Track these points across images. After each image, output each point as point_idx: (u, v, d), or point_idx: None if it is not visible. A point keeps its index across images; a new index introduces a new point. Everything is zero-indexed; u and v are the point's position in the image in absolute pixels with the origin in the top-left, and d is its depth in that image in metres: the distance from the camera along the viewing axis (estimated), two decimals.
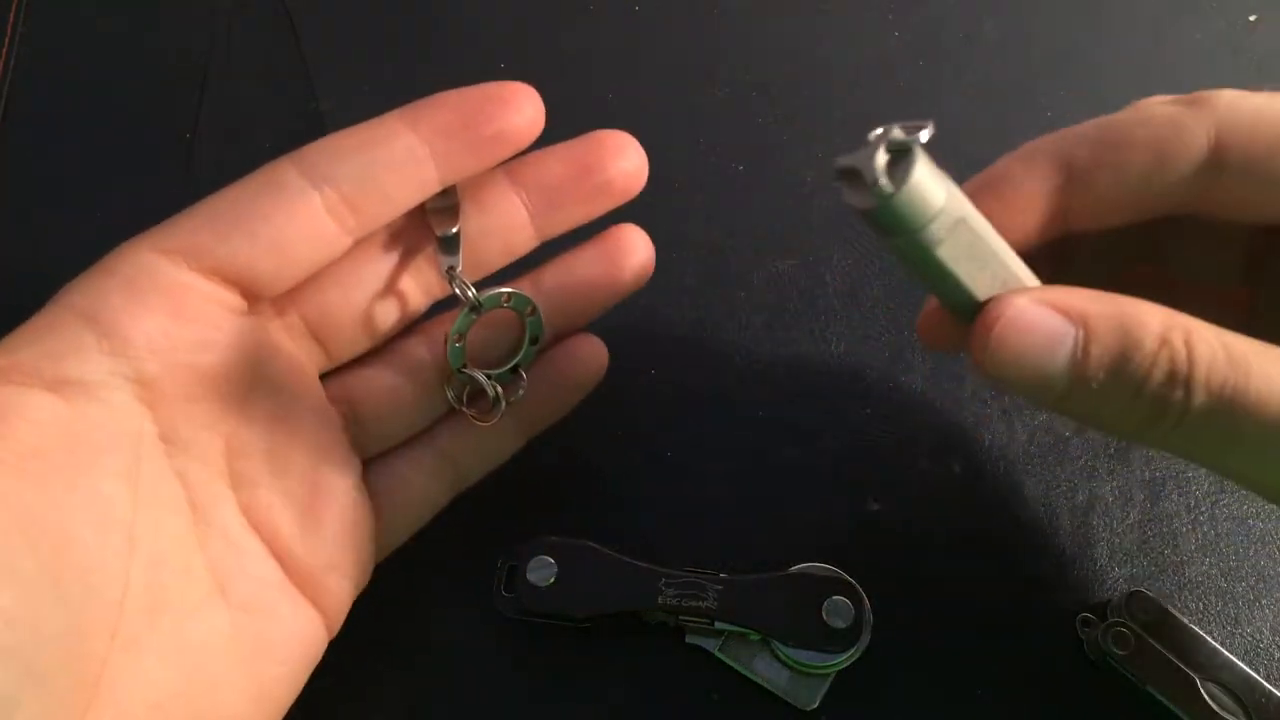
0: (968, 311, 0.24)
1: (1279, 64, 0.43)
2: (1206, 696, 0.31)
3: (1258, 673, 0.31)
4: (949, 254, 0.22)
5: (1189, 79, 0.43)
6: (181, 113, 0.43)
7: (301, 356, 0.29)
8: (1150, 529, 0.35)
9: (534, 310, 0.30)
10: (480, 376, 0.30)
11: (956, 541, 0.35)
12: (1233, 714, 0.31)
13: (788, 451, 0.36)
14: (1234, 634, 0.33)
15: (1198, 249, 0.26)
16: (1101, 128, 0.24)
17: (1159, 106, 0.24)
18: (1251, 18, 0.44)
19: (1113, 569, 0.34)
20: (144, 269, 0.25)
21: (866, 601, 0.33)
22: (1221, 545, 0.34)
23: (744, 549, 0.35)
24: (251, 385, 0.27)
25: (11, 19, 0.45)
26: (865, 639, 0.32)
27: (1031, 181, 0.24)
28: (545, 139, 0.43)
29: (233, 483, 0.27)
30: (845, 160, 0.21)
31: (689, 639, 0.33)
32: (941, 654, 0.33)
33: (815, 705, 0.32)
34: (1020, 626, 0.33)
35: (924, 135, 0.21)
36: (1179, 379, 0.21)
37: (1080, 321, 0.22)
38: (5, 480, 0.22)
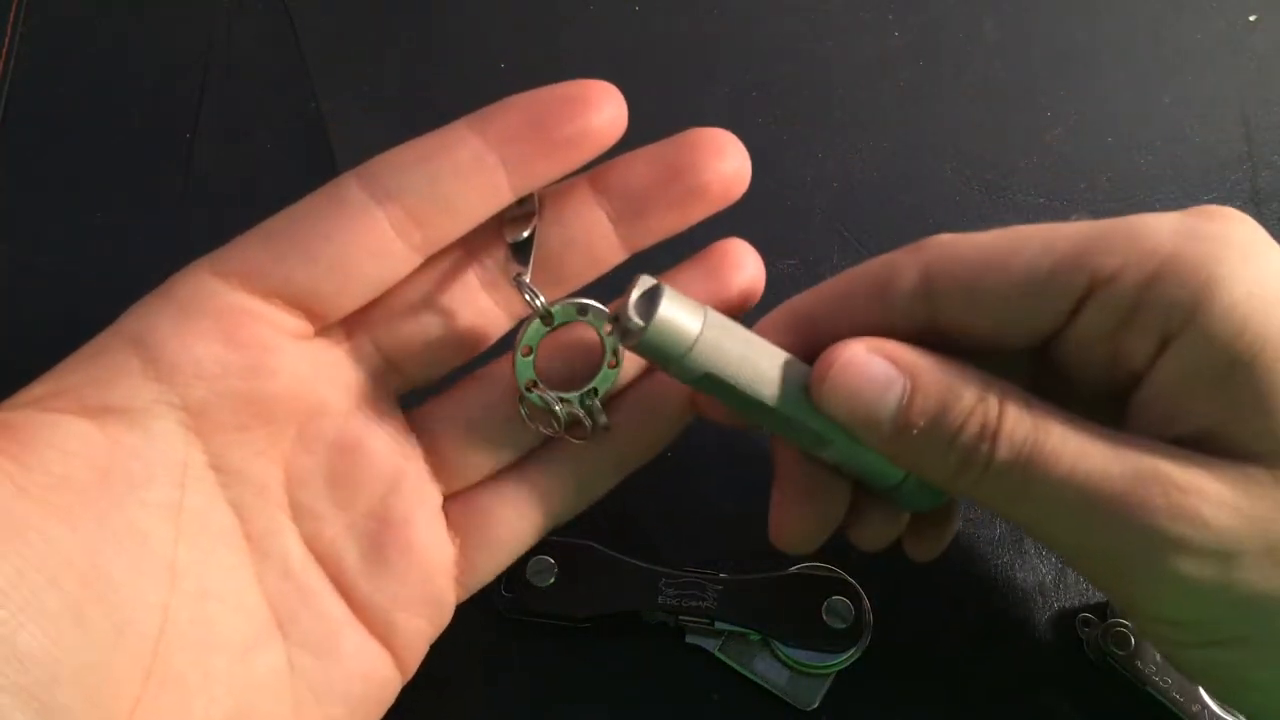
0: (767, 417, 0.26)
1: (1279, 64, 0.43)
2: (1206, 697, 0.31)
3: None
4: (723, 368, 0.24)
5: (1189, 79, 0.43)
6: (181, 113, 0.43)
7: (372, 381, 0.27)
8: None
9: (613, 322, 0.27)
10: (549, 396, 0.27)
11: (956, 541, 0.35)
12: (1233, 714, 0.31)
13: None
14: None
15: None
16: (832, 286, 0.27)
17: (886, 256, 0.26)
18: (1251, 18, 0.44)
19: None
20: (198, 292, 0.24)
21: (866, 601, 0.33)
22: None
23: (744, 549, 0.35)
24: (313, 412, 0.26)
25: (11, 19, 0.45)
26: (865, 639, 0.32)
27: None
28: None
29: (294, 514, 0.26)
30: (612, 308, 0.25)
31: (689, 639, 0.33)
32: (941, 654, 0.33)
33: (815, 705, 0.32)
34: (1020, 626, 0.33)
35: (664, 286, 0.24)
36: (988, 432, 0.23)
37: (909, 373, 0.24)
38: (30, 511, 0.21)
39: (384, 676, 0.27)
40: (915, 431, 0.24)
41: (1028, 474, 0.23)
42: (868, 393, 0.24)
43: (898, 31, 0.44)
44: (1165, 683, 0.31)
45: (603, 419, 0.28)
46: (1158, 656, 0.31)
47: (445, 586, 0.28)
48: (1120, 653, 0.31)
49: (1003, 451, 0.23)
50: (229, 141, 0.42)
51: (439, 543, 0.28)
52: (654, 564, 0.33)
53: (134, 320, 0.24)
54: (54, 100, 0.44)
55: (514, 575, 0.33)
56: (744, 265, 0.29)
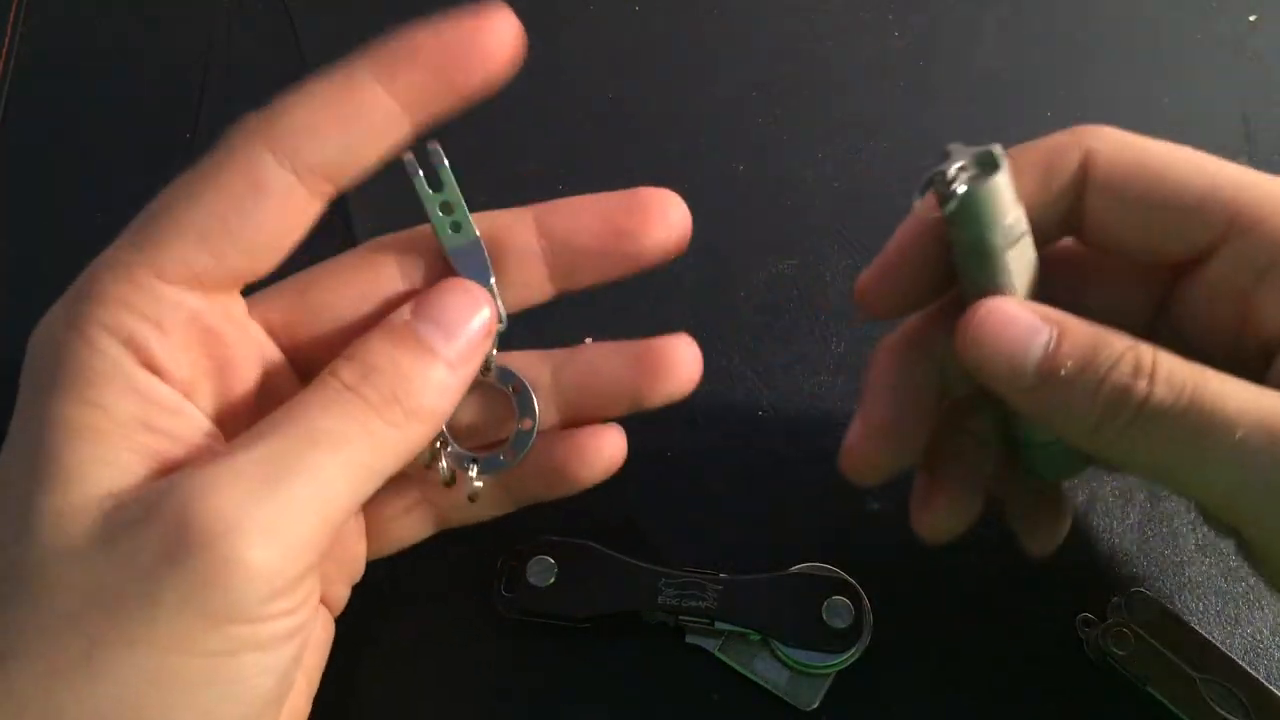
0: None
1: (1279, 64, 0.43)
2: (1206, 696, 0.31)
3: (1258, 673, 0.31)
4: (1006, 253, 0.25)
5: (1189, 79, 0.43)
6: (181, 113, 0.43)
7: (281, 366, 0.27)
8: (1150, 529, 0.35)
9: (521, 388, 0.28)
10: (443, 454, 0.28)
11: (956, 541, 0.35)
12: (1233, 714, 0.31)
13: (788, 451, 0.36)
14: (1234, 634, 0.33)
15: (1110, 293, 0.28)
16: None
17: (1043, 139, 0.26)
18: (1251, 18, 0.44)
19: (1113, 569, 0.34)
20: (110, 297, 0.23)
21: (866, 601, 0.33)
22: (1221, 545, 0.34)
23: (744, 549, 0.35)
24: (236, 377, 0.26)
25: (11, 19, 0.45)
26: (865, 639, 0.32)
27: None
28: (546, 139, 0.43)
29: None
30: (947, 161, 0.24)
31: (689, 639, 0.33)
32: (941, 654, 0.33)
33: (815, 705, 0.32)
34: (1020, 626, 0.33)
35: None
36: (1144, 371, 0.22)
37: (1057, 324, 0.24)
38: None
39: (329, 635, 0.30)
40: (1063, 372, 0.23)
41: (1191, 414, 0.22)
42: (1012, 338, 0.24)
43: (898, 31, 0.44)
44: (1165, 683, 0.31)
45: (475, 486, 0.29)
46: (1158, 656, 0.31)
47: (360, 553, 0.30)
48: (1120, 653, 0.31)
49: (1161, 390, 0.22)
50: None
51: (359, 528, 0.30)
52: (654, 564, 0.33)
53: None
54: (54, 100, 0.44)
55: (514, 575, 0.33)
56: (679, 368, 0.29)
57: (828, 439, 0.36)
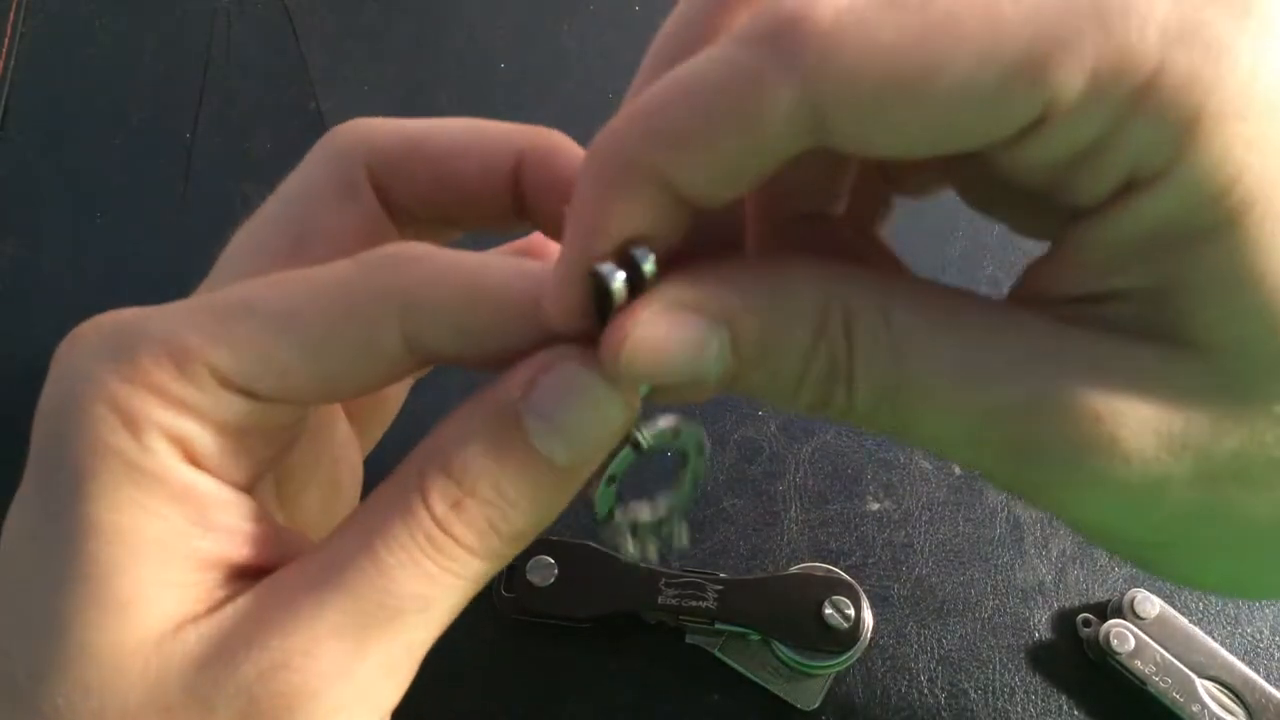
0: None
1: None
2: (1206, 696, 0.31)
3: (1258, 673, 0.31)
4: None
5: None
6: (181, 113, 0.43)
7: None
8: None
9: (702, 448, 0.24)
10: (625, 528, 0.24)
11: (956, 541, 0.35)
12: (1233, 714, 0.31)
13: (787, 451, 0.36)
14: (1234, 634, 0.33)
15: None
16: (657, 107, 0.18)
17: (730, 50, 0.17)
18: None
19: (1113, 569, 0.34)
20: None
21: (866, 602, 0.33)
22: None
23: (744, 549, 0.35)
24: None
25: (11, 19, 0.45)
26: (865, 639, 0.32)
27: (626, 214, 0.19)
28: None
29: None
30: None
31: (689, 639, 0.33)
32: (941, 654, 0.33)
33: (815, 705, 0.32)
34: (1020, 626, 0.33)
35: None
36: (839, 374, 0.19)
37: (723, 319, 0.19)
38: None
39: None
40: (754, 380, 0.19)
41: (899, 415, 0.19)
42: (675, 365, 0.19)
43: None
44: (1165, 683, 0.31)
45: (683, 540, 0.25)
46: (1158, 656, 0.31)
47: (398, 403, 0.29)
48: (1120, 653, 0.31)
49: (863, 395, 0.19)
50: (229, 141, 0.42)
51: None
52: (654, 564, 0.33)
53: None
54: (54, 100, 0.44)
55: (514, 575, 0.33)
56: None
57: (828, 439, 0.36)
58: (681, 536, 0.25)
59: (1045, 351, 0.18)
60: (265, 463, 0.21)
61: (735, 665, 0.33)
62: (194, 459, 0.20)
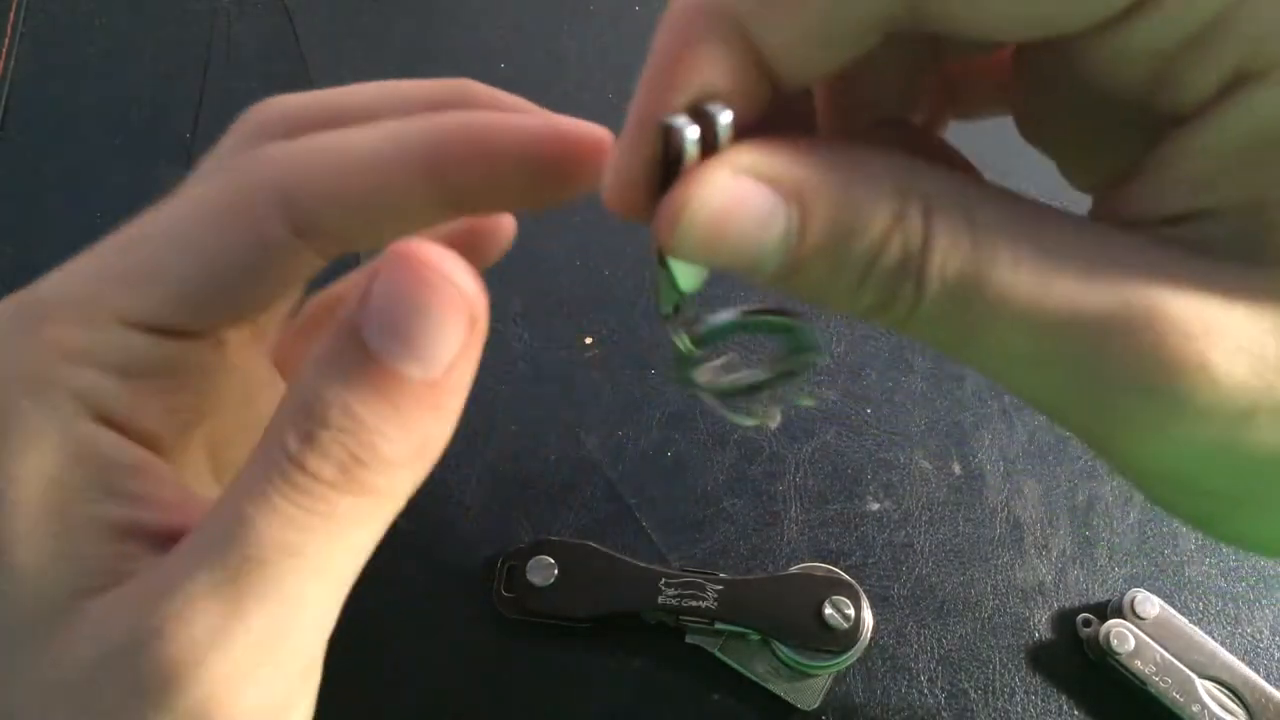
0: None
1: None
2: (1206, 696, 0.31)
3: (1258, 673, 0.31)
4: None
5: None
6: (181, 113, 0.43)
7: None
8: (1150, 529, 0.35)
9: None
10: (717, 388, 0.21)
11: (956, 541, 0.35)
12: (1233, 714, 0.31)
13: (788, 451, 0.36)
14: (1234, 634, 0.33)
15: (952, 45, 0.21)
16: None
17: None
18: None
19: (1113, 569, 0.34)
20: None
21: (866, 601, 0.33)
22: (1222, 545, 0.34)
23: (744, 549, 0.35)
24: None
25: (11, 19, 0.45)
26: (865, 639, 0.32)
27: (709, 66, 0.17)
28: None
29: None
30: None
31: (689, 639, 0.33)
32: (941, 654, 0.33)
33: (815, 705, 0.32)
34: (1020, 626, 0.33)
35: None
36: (911, 266, 0.17)
37: (795, 197, 0.17)
38: None
39: None
40: (812, 274, 0.18)
41: (969, 317, 0.17)
42: (737, 237, 0.17)
43: None
44: (1165, 683, 0.31)
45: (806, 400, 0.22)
46: (1158, 656, 0.31)
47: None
48: (1120, 653, 0.31)
49: (933, 290, 0.17)
50: None
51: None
52: (654, 564, 0.33)
53: None
54: (54, 100, 0.44)
55: (514, 575, 0.33)
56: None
57: (828, 439, 0.36)
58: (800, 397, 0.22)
59: (1133, 263, 0.17)
60: (186, 412, 0.20)
61: (735, 665, 0.33)
62: (104, 413, 0.19)
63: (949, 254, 0.17)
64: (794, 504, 0.36)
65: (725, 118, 0.16)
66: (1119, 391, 0.17)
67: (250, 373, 0.24)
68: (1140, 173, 0.18)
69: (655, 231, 0.17)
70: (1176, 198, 0.17)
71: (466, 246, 0.25)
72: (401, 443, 0.18)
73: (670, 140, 0.16)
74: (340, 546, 0.18)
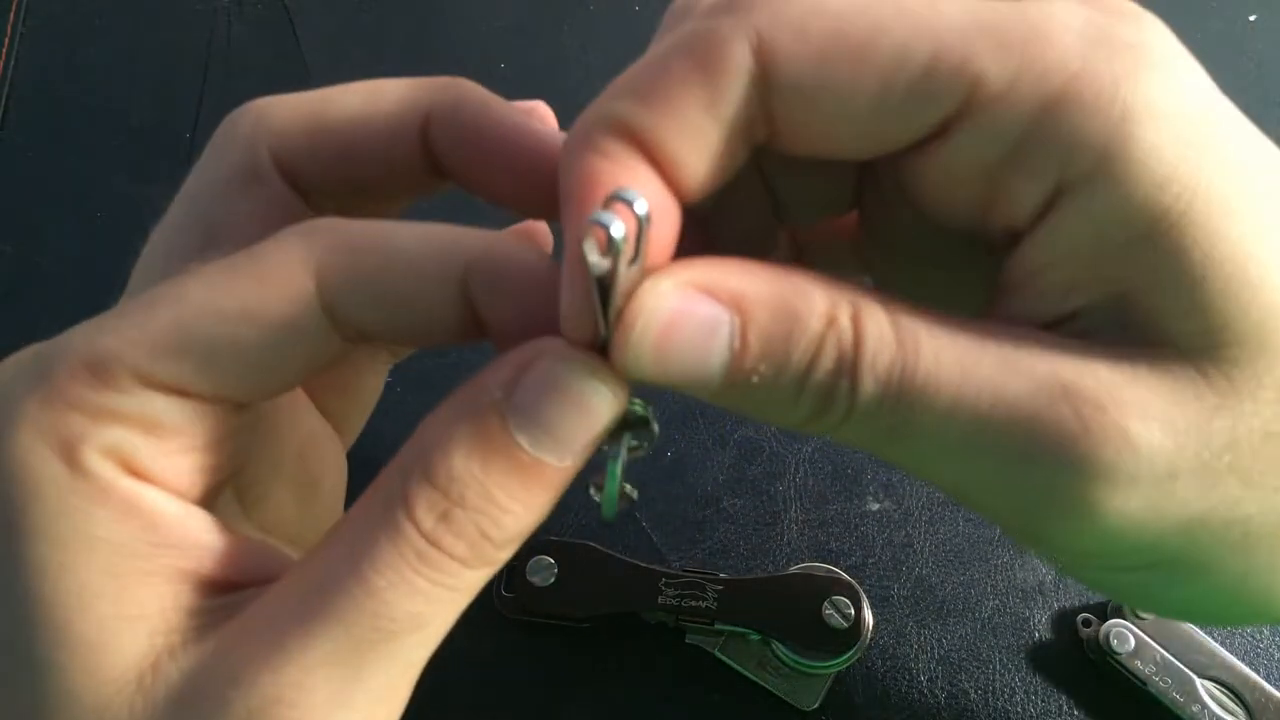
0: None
1: (1279, 64, 0.43)
2: (1206, 696, 0.31)
3: (1258, 673, 0.31)
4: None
5: None
6: (181, 113, 0.43)
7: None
8: None
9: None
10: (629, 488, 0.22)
11: (956, 541, 0.35)
12: (1233, 714, 0.31)
13: (787, 451, 0.36)
14: (1234, 634, 0.33)
15: (800, 189, 0.22)
16: (649, 69, 0.19)
17: (695, 22, 0.19)
18: (1251, 18, 0.44)
19: None
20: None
21: (866, 602, 0.33)
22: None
23: (744, 549, 0.35)
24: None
25: (11, 19, 0.45)
26: (865, 639, 0.32)
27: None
28: None
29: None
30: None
31: (689, 639, 0.33)
32: (940, 654, 0.33)
33: (815, 705, 0.32)
34: (1020, 626, 0.33)
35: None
36: (845, 365, 0.18)
37: (735, 306, 0.18)
38: None
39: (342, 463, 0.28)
40: (756, 379, 0.18)
41: (901, 413, 0.18)
42: (687, 349, 0.18)
43: None
44: (1165, 683, 0.31)
45: (632, 492, 0.23)
46: (1158, 656, 0.31)
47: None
48: (1120, 653, 0.31)
49: (867, 388, 0.18)
50: None
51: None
52: (654, 564, 0.33)
53: None
54: (54, 100, 0.44)
55: (514, 575, 0.33)
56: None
57: (828, 439, 0.36)
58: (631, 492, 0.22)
59: (1042, 351, 0.18)
60: (218, 471, 0.20)
61: (735, 665, 0.33)
62: (135, 470, 0.19)
63: (878, 353, 0.18)
64: (794, 504, 0.36)
65: (641, 206, 0.16)
66: (1049, 472, 0.18)
67: (279, 416, 0.24)
68: (1007, 293, 0.19)
69: (614, 350, 0.18)
70: (1048, 306, 0.19)
71: None
72: (527, 519, 0.19)
73: (598, 239, 0.17)
74: (454, 611, 0.19)
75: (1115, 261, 0.18)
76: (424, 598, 0.18)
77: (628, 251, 0.17)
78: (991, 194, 0.18)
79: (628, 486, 0.22)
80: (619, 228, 0.16)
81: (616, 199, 0.16)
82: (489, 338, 0.20)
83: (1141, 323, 0.18)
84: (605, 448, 0.20)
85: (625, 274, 0.17)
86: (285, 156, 0.22)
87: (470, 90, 0.22)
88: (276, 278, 0.19)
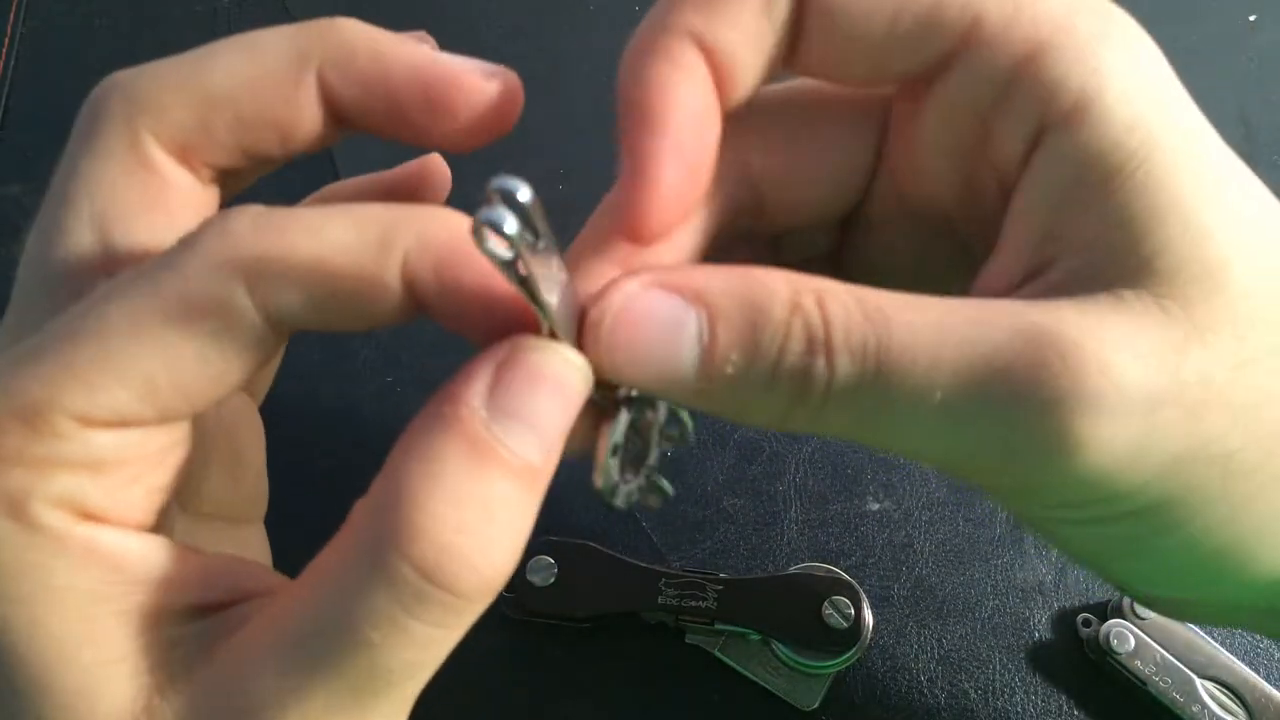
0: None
1: (1279, 64, 0.43)
2: (1206, 697, 0.31)
3: (1258, 673, 0.31)
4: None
5: (1189, 79, 0.43)
6: None
7: None
8: None
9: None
10: (631, 488, 0.23)
11: (956, 541, 0.35)
12: (1233, 714, 0.31)
13: (787, 451, 0.36)
14: (1234, 634, 0.33)
15: (827, 138, 0.23)
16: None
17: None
18: (1251, 18, 0.44)
19: None
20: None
21: (866, 602, 0.33)
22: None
23: (744, 549, 0.35)
24: None
25: (11, 19, 0.45)
26: (865, 639, 0.32)
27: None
28: (552, 140, 0.43)
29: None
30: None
31: (689, 639, 0.33)
32: (940, 654, 0.33)
33: (815, 705, 0.32)
34: (1020, 626, 0.33)
35: None
36: (817, 345, 0.18)
37: (699, 301, 0.18)
38: None
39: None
40: (730, 370, 0.18)
41: (881, 385, 0.18)
42: (656, 345, 0.18)
43: None
44: (1165, 683, 0.31)
45: (667, 486, 0.24)
46: (1158, 656, 0.31)
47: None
48: (1120, 653, 0.31)
49: (842, 365, 0.18)
50: None
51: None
52: (654, 564, 0.33)
53: None
54: (54, 100, 0.44)
55: (514, 575, 0.33)
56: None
57: (828, 439, 0.36)
58: (665, 483, 0.24)
59: (1010, 308, 0.18)
60: (169, 489, 0.19)
61: (735, 665, 0.33)
62: (88, 514, 0.18)
63: (849, 329, 0.18)
64: (794, 504, 0.36)
65: (525, 194, 0.16)
66: (1034, 413, 0.18)
67: (223, 414, 0.24)
68: (985, 264, 0.20)
69: (585, 347, 0.19)
70: (1027, 256, 0.20)
71: (409, 194, 0.25)
72: (518, 532, 0.20)
73: (494, 236, 0.16)
74: (454, 643, 0.19)
75: (1087, 203, 0.19)
76: (420, 646, 0.18)
77: (528, 238, 0.16)
78: (983, 137, 0.20)
79: (664, 482, 0.23)
80: (512, 224, 0.16)
81: (498, 190, 0.16)
82: (430, 314, 0.19)
83: (1105, 265, 0.19)
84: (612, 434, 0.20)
85: (539, 260, 0.17)
86: (170, 134, 0.20)
87: (357, 33, 0.22)
88: (201, 289, 0.17)
